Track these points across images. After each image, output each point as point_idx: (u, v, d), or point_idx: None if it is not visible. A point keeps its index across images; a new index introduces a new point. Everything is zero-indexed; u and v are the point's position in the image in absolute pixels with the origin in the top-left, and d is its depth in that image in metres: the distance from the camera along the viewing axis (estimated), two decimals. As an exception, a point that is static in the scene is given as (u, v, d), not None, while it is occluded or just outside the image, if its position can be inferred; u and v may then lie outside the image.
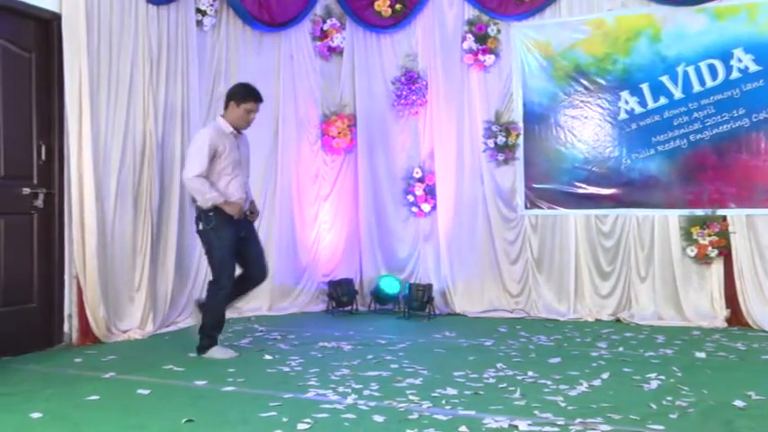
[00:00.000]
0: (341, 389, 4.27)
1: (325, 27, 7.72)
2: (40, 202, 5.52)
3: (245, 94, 5.34)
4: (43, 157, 5.58)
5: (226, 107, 5.39)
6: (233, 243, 5.26)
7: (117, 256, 5.95)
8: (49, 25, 5.61)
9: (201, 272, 6.64)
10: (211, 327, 5.30)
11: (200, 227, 5.25)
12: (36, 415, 3.74)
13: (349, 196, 7.90)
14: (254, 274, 5.49)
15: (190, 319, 5.49)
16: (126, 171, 6.03)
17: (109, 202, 5.87)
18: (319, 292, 7.68)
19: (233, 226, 5.25)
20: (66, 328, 5.69)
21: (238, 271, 5.41)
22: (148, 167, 6.22)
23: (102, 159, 5.81)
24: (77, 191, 5.59)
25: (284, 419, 3.65)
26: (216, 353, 5.26)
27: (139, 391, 4.25)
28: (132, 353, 5.39)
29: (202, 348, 5.27)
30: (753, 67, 6.50)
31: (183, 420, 3.64)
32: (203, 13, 6.79)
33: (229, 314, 6.85)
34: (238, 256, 5.35)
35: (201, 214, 5.23)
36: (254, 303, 7.21)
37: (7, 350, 5.18)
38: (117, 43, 5.97)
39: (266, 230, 7.33)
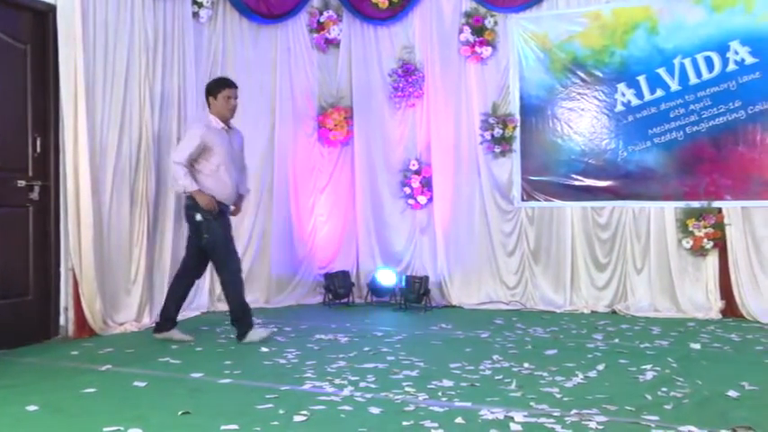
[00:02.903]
0: (337, 381, 4.27)
1: (322, 19, 7.70)
2: (35, 195, 5.50)
3: (218, 85, 5.60)
4: (38, 149, 5.56)
5: (208, 104, 5.60)
6: (230, 229, 5.53)
7: (113, 248, 5.94)
8: (45, 17, 5.59)
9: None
10: (244, 312, 5.49)
11: (199, 218, 5.36)
12: (32, 408, 3.74)
13: (345, 188, 7.89)
14: (200, 272, 5.76)
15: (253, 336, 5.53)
16: (122, 163, 6.02)
17: (105, 194, 5.85)
18: (316, 285, 7.69)
19: (226, 215, 5.53)
20: (62, 320, 5.68)
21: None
22: (144, 160, 6.21)
23: (97, 151, 5.78)
24: (73, 183, 5.57)
25: (281, 411, 3.65)
26: (254, 335, 5.44)
27: (136, 383, 4.24)
28: (128, 345, 5.38)
29: (243, 335, 5.45)
30: (749, 60, 6.49)
31: (180, 412, 3.64)
32: (200, 5, 6.76)
33: (227, 306, 6.91)
34: (196, 250, 5.52)
35: (197, 205, 5.33)
36: (251, 296, 7.19)
37: (3, 343, 5.16)
38: (113, 35, 5.95)
39: (263, 223, 7.36)
